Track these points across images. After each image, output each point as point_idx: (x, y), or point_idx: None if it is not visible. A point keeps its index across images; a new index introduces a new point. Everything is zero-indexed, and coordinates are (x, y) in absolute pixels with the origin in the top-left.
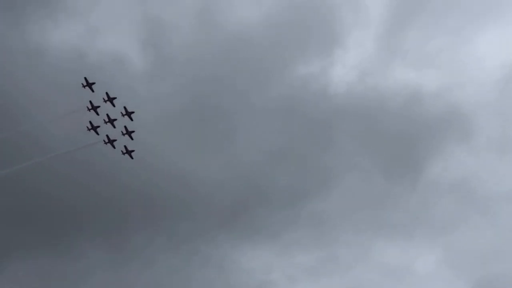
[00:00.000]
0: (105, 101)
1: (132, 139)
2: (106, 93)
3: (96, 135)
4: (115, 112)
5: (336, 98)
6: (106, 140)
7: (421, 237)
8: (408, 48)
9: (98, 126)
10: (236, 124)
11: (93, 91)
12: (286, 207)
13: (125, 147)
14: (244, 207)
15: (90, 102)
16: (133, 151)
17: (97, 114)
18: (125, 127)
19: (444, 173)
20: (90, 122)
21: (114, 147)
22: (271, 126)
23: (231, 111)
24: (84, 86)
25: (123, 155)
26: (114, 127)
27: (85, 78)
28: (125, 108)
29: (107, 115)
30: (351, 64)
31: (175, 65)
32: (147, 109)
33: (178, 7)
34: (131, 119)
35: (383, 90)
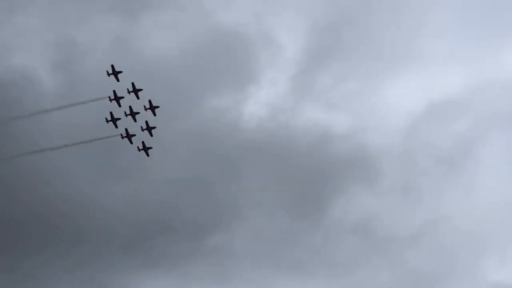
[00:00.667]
0: (129, 92)
1: (151, 135)
2: (132, 83)
3: (115, 127)
4: (139, 106)
5: (247, 132)
6: (124, 134)
7: (322, 276)
8: (321, 89)
9: (119, 119)
10: (143, 155)
11: (118, 80)
12: (188, 238)
13: (143, 143)
14: (145, 235)
15: (114, 92)
16: (150, 148)
17: (119, 105)
18: (146, 122)
19: (347, 213)
20: (111, 113)
21: (131, 142)
22: (180, 156)
23: (141, 138)
24: (109, 75)
25: (138, 151)
26: (135, 121)
27: (112, 66)
28: (149, 102)
29: (130, 107)
30: (263, 101)
31: (86, 88)
32: None
33: (94, 30)
34: (154, 114)
35: (294, 128)
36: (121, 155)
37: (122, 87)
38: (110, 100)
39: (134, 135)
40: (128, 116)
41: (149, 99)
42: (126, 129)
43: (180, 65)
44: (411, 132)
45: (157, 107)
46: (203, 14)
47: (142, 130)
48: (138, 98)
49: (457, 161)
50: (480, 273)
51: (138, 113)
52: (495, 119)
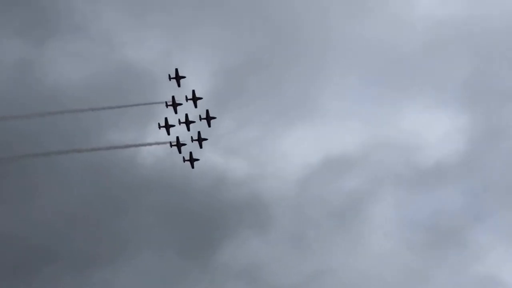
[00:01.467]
0: (187, 100)
1: (201, 147)
2: (193, 91)
3: (167, 135)
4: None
5: (143, 168)
6: (174, 143)
7: None
8: (221, 134)
9: (173, 126)
10: (37, 181)
11: (179, 86)
12: (75, 270)
13: (190, 154)
14: (30, 266)
15: (173, 97)
16: (197, 160)
17: (176, 112)
18: (198, 132)
19: (236, 258)
20: (166, 120)
21: (180, 151)
22: (73, 188)
23: (34, 167)
24: (170, 79)
25: (183, 162)
26: (189, 130)
27: (176, 70)
28: (207, 111)
29: (186, 115)
30: (162, 139)
31: None
32: None
33: None
34: (209, 125)
35: (190, 169)
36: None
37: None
38: (167, 105)
39: (185, 144)
40: (181, 124)
41: (206, 108)
42: (177, 138)
43: (82, 96)
44: (305, 184)
45: (214, 118)
46: (110, 47)
47: (192, 141)
48: (196, 107)
49: (347, 216)
50: None
51: (193, 122)
52: (387, 178)
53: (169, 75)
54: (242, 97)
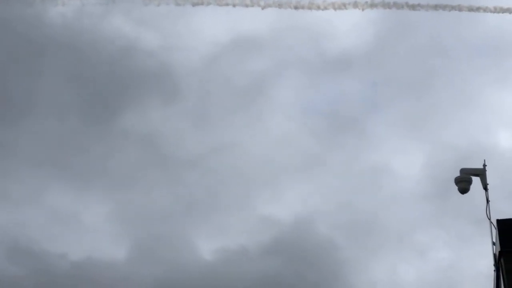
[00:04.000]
0: None
1: None
2: None
3: None
4: None
5: (51, 29)
6: None
7: (99, 187)
8: (133, 3)
9: None
10: None
11: None
12: None
13: None
14: None
15: None
16: None
17: None
18: None
19: (137, 126)
20: None
21: None
22: None
23: None
24: None
25: None
26: None
27: None
28: None
29: None
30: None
31: None
32: None
33: None
34: None
35: (100, 34)
36: None
37: None
38: None
39: None
40: None
41: None
42: None
43: None
44: (213, 61)
45: None
46: None
47: None
48: None
49: (251, 96)
50: (251, 205)
51: None
52: (293, 63)
53: None
54: None
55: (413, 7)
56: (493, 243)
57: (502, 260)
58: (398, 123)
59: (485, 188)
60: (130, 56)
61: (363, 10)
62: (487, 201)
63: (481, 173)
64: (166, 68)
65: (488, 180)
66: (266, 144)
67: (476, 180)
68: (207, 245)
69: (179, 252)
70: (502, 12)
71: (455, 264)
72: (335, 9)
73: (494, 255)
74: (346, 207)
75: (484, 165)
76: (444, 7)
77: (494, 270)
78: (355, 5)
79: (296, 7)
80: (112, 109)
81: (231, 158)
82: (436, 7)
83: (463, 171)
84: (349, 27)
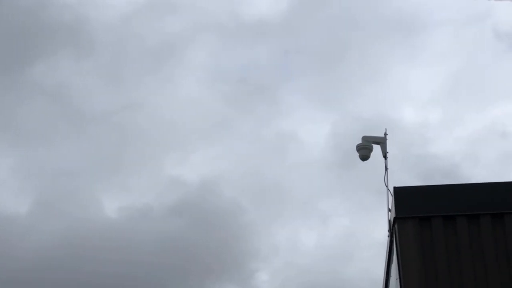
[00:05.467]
0: None
1: None
2: None
3: None
4: None
5: None
6: None
7: (1, 140)
8: None
9: None
10: None
11: None
12: None
13: None
14: None
15: None
16: None
17: None
18: None
19: (47, 77)
20: None
21: None
22: None
23: None
24: None
25: None
26: None
27: None
28: None
29: None
30: None
31: None
32: None
33: None
34: None
35: None
36: None
37: None
38: None
39: None
40: None
41: None
42: None
43: None
44: (128, 20)
45: None
46: None
47: None
48: None
49: (164, 58)
50: (158, 165)
51: None
52: (208, 26)
53: None
54: None
55: None
56: (389, 210)
57: (396, 226)
58: (308, 93)
59: (385, 157)
60: (45, 8)
61: None
62: (386, 169)
63: (381, 141)
64: (81, 23)
65: (389, 150)
66: (176, 106)
67: (377, 150)
68: (112, 203)
69: (83, 208)
70: None
71: (354, 231)
72: None
73: (389, 221)
74: (253, 172)
75: (385, 134)
76: None
77: (388, 236)
78: None
79: None
80: (22, 59)
81: (140, 118)
82: None
83: (364, 138)
84: None
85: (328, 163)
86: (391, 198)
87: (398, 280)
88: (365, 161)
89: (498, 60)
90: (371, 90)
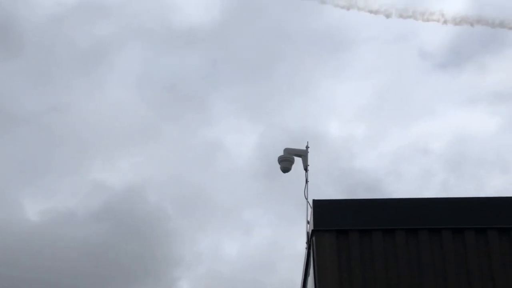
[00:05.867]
0: None
1: None
2: None
3: None
4: None
5: None
6: None
7: None
8: None
9: None
10: None
11: None
12: None
13: None
14: None
15: None
16: None
17: None
18: None
19: None
20: None
21: None
22: None
23: None
24: None
25: None
26: None
27: None
28: None
29: None
30: None
31: None
32: None
33: None
34: None
35: None
36: None
37: None
38: None
39: None
40: None
41: None
42: None
43: None
44: (58, 23)
45: None
46: None
47: None
48: None
49: (93, 61)
50: (83, 169)
51: None
52: (139, 32)
53: None
54: None
55: None
56: (308, 222)
57: (313, 238)
58: (236, 103)
59: (306, 169)
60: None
61: None
62: (306, 181)
63: (303, 154)
64: (10, 22)
65: (310, 163)
66: (104, 111)
67: (299, 162)
68: (35, 206)
69: (4, 210)
70: (347, 9)
71: (277, 242)
72: None
73: (308, 233)
74: (178, 179)
75: (307, 147)
76: None
77: (306, 248)
78: None
79: None
80: None
81: (67, 121)
82: None
83: (286, 151)
84: (198, 2)
85: (253, 174)
86: (310, 211)
87: None
88: (286, 173)
89: (422, 79)
90: (299, 103)
